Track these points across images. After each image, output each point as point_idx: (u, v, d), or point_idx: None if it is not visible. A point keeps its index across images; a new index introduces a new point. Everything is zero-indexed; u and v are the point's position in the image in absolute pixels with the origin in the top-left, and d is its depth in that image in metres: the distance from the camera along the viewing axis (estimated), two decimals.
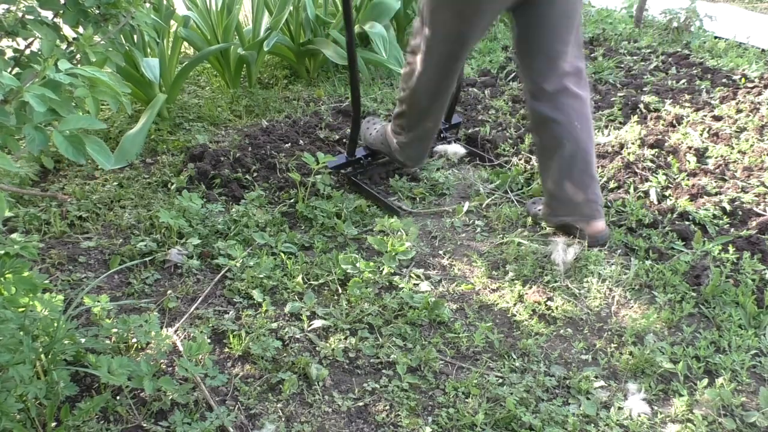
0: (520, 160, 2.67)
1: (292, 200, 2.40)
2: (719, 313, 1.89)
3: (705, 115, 3.00)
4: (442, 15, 2.03)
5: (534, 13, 2.03)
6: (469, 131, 2.89)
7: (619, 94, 3.22)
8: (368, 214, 2.35)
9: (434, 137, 2.43)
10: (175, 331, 1.82)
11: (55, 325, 1.50)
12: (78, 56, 1.42)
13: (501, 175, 2.57)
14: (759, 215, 2.30)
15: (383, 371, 1.71)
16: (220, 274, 2.04)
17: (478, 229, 2.30)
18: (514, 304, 1.94)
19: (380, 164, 2.61)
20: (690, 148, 2.72)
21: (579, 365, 1.74)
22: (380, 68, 3.47)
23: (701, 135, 2.83)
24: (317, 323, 1.84)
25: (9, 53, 1.47)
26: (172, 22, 2.94)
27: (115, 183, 2.48)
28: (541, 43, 2.05)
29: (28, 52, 1.49)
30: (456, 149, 2.71)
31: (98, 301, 1.70)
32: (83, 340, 1.62)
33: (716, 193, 2.43)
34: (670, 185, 2.49)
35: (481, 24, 2.04)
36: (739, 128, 2.88)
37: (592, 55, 3.74)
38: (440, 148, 2.73)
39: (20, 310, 1.49)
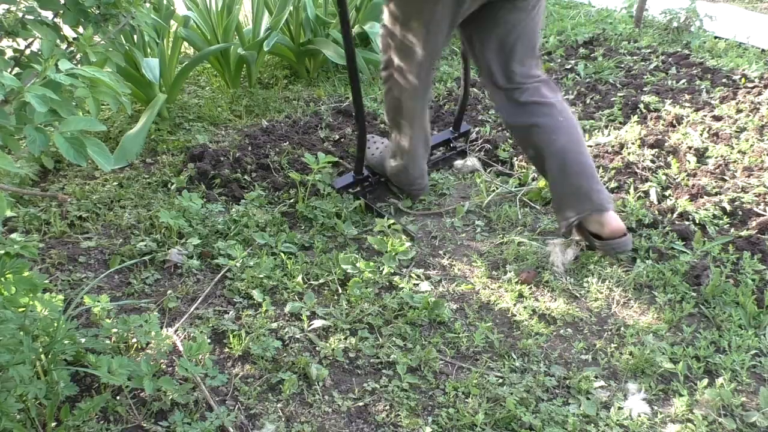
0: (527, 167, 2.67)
1: (291, 200, 2.40)
2: (719, 313, 1.89)
3: (705, 115, 3.00)
4: (410, 24, 1.98)
5: (497, 20, 1.97)
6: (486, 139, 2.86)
7: (619, 94, 3.21)
8: (368, 214, 2.35)
9: (422, 163, 2.33)
10: (175, 331, 1.82)
11: (55, 325, 1.50)
12: (78, 56, 1.42)
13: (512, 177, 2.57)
14: (759, 215, 2.30)
15: (383, 371, 1.72)
16: (220, 274, 2.04)
17: (478, 229, 2.30)
18: (514, 304, 1.94)
19: (387, 183, 2.51)
20: (690, 148, 2.72)
21: (579, 365, 1.74)
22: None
23: (701, 135, 2.83)
24: (317, 323, 1.84)
25: (9, 53, 1.47)
26: (172, 22, 2.94)
27: (115, 183, 2.48)
28: (510, 52, 2.01)
29: (28, 52, 1.49)
30: (472, 163, 2.65)
31: (98, 301, 1.70)
32: (83, 340, 1.62)
33: (716, 193, 2.43)
34: (670, 185, 2.49)
35: (447, 31, 2.00)
36: (739, 128, 2.88)
37: (592, 55, 3.74)
38: (458, 163, 2.67)
39: (20, 310, 1.49)
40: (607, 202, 2.01)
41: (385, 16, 2.08)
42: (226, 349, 1.76)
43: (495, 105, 2.20)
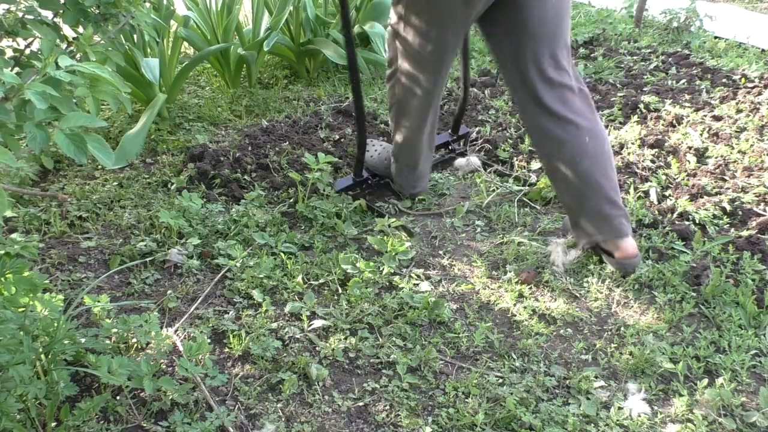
0: (528, 170, 2.67)
1: (291, 200, 2.40)
2: (719, 313, 1.89)
3: (705, 115, 3.00)
4: (417, 25, 1.94)
5: (518, 14, 1.85)
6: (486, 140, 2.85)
7: (619, 94, 3.22)
8: (368, 214, 2.35)
9: (425, 165, 2.30)
10: (175, 331, 1.82)
11: (55, 325, 1.50)
12: (78, 56, 1.42)
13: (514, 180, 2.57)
14: (759, 215, 2.30)
15: (383, 371, 1.71)
16: (220, 274, 2.04)
17: (478, 229, 2.30)
18: (514, 304, 1.94)
19: (387, 184, 2.51)
20: (690, 148, 2.72)
21: (579, 365, 1.74)
22: (380, 68, 3.47)
23: (701, 135, 2.83)
24: (317, 323, 1.84)
25: (9, 53, 1.47)
26: (172, 22, 2.94)
27: (115, 183, 2.48)
28: (532, 49, 1.87)
29: (28, 51, 1.49)
30: (473, 162, 2.64)
31: (98, 301, 1.70)
32: (83, 340, 1.62)
33: (716, 193, 2.43)
34: (670, 185, 2.49)
35: (457, 33, 1.95)
36: (739, 128, 2.88)
37: (592, 55, 3.74)
38: (459, 162, 2.66)
39: (20, 310, 1.49)
40: (627, 228, 1.99)
41: (392, 15, 2.05)
42: (226, 349, 1.76)
43: (517, 106, 2.04)
